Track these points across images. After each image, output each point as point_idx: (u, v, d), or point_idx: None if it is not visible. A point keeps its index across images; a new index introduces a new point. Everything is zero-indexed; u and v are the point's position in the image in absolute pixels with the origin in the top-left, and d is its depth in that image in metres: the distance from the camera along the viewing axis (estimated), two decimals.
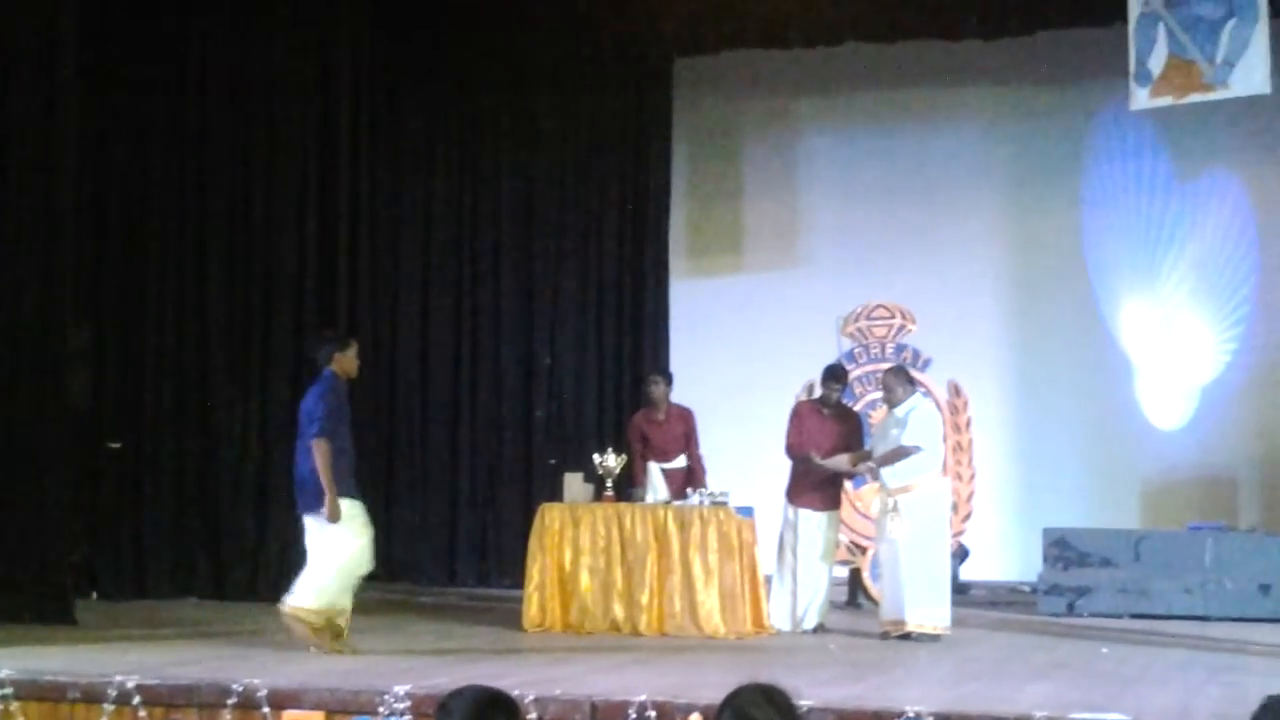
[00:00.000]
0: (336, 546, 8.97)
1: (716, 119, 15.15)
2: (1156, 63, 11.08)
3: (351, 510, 9.02)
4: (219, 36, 12.82)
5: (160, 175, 12.85)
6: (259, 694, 7.06)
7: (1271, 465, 13.81)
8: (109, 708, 7.15)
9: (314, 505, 8.98)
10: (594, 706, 6.79)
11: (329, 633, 8.92)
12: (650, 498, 10.88)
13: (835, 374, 10.99)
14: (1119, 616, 11.49)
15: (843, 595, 12.31)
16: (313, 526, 9.07)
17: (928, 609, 9.95)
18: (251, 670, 7.60)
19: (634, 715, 6.67)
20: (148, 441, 12.64)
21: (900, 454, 10.09)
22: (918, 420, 10.23)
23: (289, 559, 12.37)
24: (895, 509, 10.04)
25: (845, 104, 14.98)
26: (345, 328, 12.64)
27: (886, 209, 14.61)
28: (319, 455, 8.87)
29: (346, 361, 9.20)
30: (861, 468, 10.42)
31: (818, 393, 11.11)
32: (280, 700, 7.06)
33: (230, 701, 7.06)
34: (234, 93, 12.86)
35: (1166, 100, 11.10)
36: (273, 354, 12.76)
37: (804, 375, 11.89)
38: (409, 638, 9.81)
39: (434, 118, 14.51)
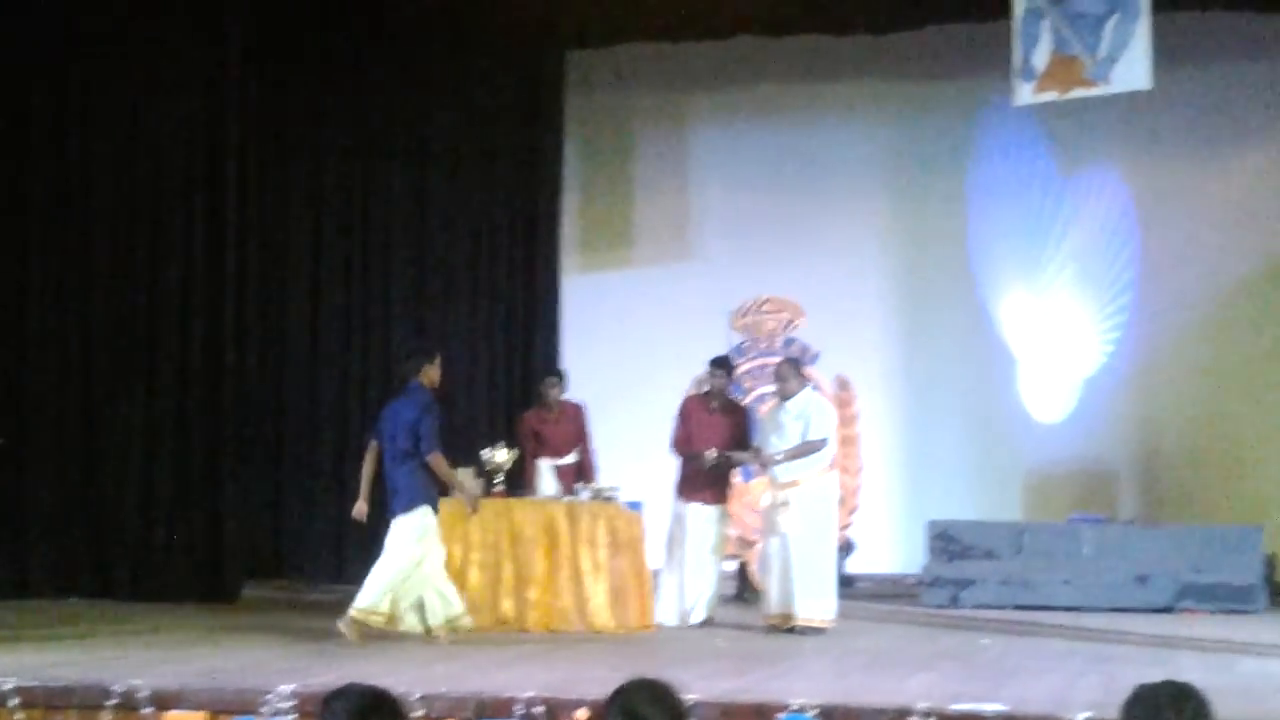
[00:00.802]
0: (403, 553, 9.53)
1: (608, 113, 15.15)
2: (1040, 58, 11.25)
3: (432, 522, 9.61)
4: (104, 22, 12.61)
5: (43, 167, 12.64)
6: (140, 695, 6.98)
7: (1150, 457, 14.07)
8: None
9: (402, 509, 9.54)
10: (481, 703, 6.79)
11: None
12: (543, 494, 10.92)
13: (720, 362, 11.08)
14: (1001, 608, 11.64)
15: (731, 589, 12.39)
16: (396, 530, 9.58)
17: (815, 602, 10.03)
18: (133, 670, 7.51)
19: (521, 711, 6.67)
20: (31, 439, 12.43)
21: (810, 448, 10.18)
22: (819, 413, 10.33)
23: (174, 558, 12.30)
24: (785, 503, 10.10)
25: (736, 98, 15.03)
26: (234, 324, 12.54)
27: (776, 203, 14.70)
28: (438, 466, 9.58)
29: (434, 372, 9.75)
30: (764, 459, 10.42)
31: (705, 385, 11.15)
32: (162, 701, 6.98)
33: (110, 703, 6.97)
34: (119, 83, 12.66)
35: (1050, 95, 11.28)
36: (159, 350, 12.59)
37: (694, 369, 11.92)
38: (294, 635, 9.74)
39: (322, 111, 14.36)
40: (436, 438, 9.55)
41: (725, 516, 10.94)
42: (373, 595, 9.51)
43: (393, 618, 9.55)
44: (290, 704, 6.81)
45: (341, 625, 9.40)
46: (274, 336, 14.11)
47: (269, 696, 6.84)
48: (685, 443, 10.76)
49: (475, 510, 9.82)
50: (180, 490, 12.40)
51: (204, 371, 12.46)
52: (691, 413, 10.90)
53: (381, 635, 9.48)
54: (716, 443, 10.62)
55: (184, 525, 12.37)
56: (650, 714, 3.67)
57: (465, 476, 10.80)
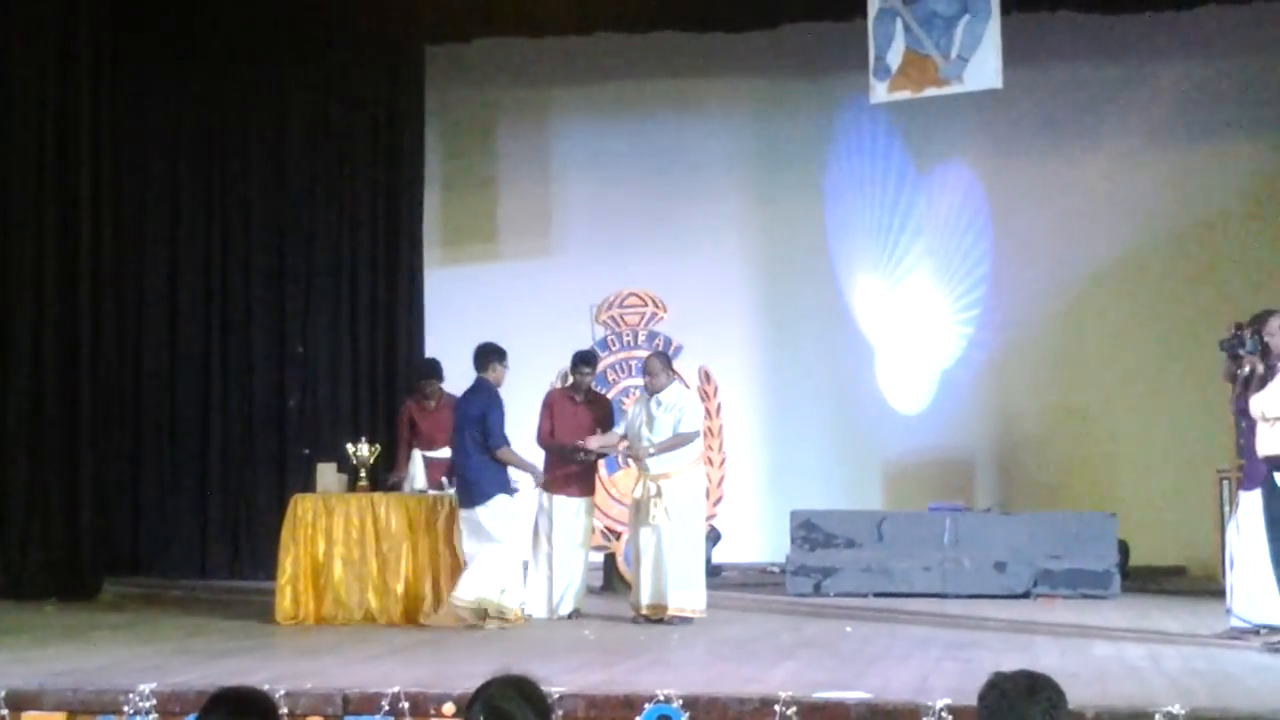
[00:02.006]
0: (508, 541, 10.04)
1: (469, 107, 15.14)
2: (894, 57, 11.44)
3: (512, 508, 10.15)
4: None
5: None
6: None
7: (1006, 447, 14.34)
8: None
9: (472, 501, 9.96)
10: (346, 699, 6.77)
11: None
12: (407, 487, 10.91)
13: (585, 358, 11.10)
14: (863, 595, 11.78)
15: (598, 580, 12.43)
16: (471, 520, 9.98)
17: (687, 593, 10.12)
18: None
19: (387, 707, 6.67)
20: None
21: (683, 440, 10.25)
22: (689, 405, 10.42)
23: (30, 555, 12.05)
24: (658, 494, 10.16)
25: (597, 93, 15.08)
26: (90, 315, 12.32)
27: (638, 198, 14.78)
28: (509, 457, 10.13)
29: (502, 371, 10.33)
30: (639, 451, 10.45)
31: (570, 380, 11.19)
32: (19, 701, 6.89)
33: None
34: None
35: (904, 94, 11.46)
36: (11, 342, 12.31)
37: (559, 363, 11.92)
38: (156, 633, 9.63)
39: (180, 102, 14.20)
40: (503, 431, 10.08)
41: (591, 508, 10.98)
42: (481, 587, 9.90)
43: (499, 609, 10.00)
44: (150, 703, 6.74)
45: (455, 615, 9.88)
46: (130, 331, 13.93)
47: (130, 695, 6.76)
48: (550, 435, 10.79)
49: (538, 483, 10.50)
50: (36, 485, 12.14)
51: (59, 364, 12.22)
52: (556, 405, 10.93)
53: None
54: (582, 435, 10.66)
55: (40, 521, 12.13)
56: (514, 709, 3.68)
57: (325, 471, 10.79)
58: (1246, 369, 8.78)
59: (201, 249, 14.22)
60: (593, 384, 11.26)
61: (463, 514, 10.06)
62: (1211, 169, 13.95)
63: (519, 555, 10.18)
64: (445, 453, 11.22)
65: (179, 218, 14.23)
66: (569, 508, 10.72)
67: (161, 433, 14.13)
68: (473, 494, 10.01)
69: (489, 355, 10.33)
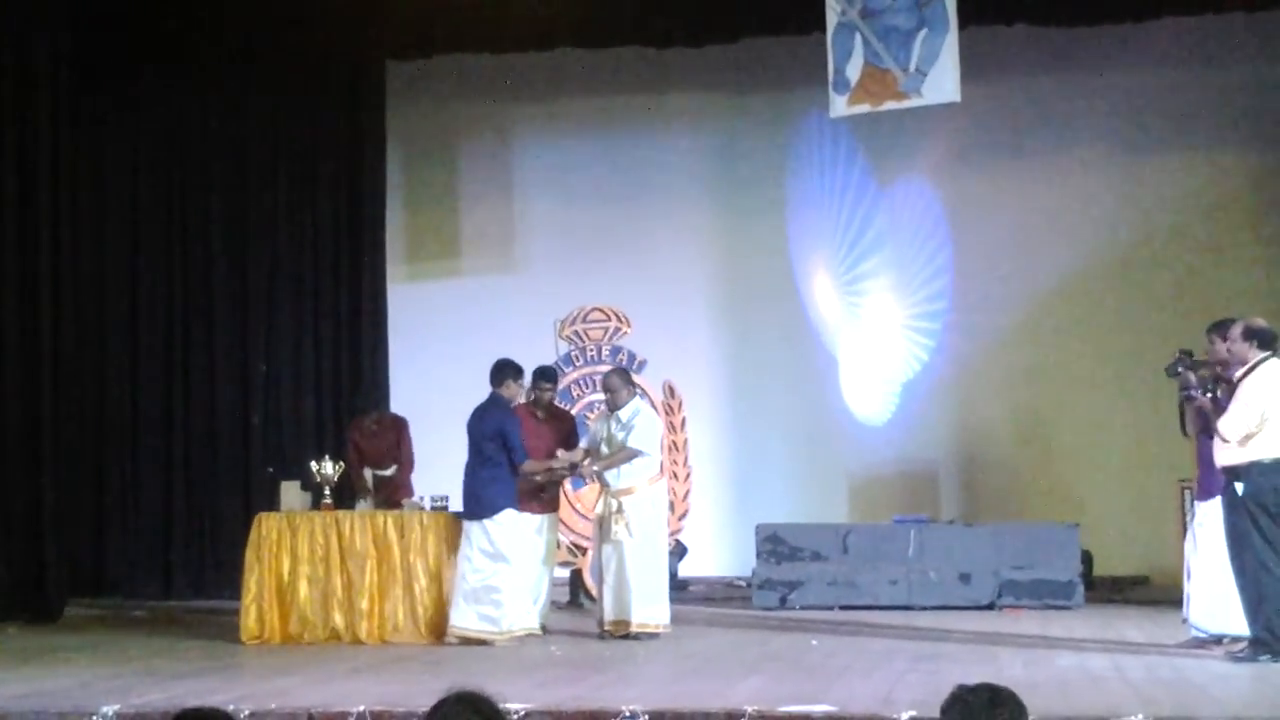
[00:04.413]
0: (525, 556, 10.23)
1: (431, 123, 15.12)
2: (854, 71, 11.48)
3: (520, 522, 10.23)
4: None
5: None
6: None
7: (969, 458, 14.39)
8: None
9: (480, 514, 10.01)
10: (311, 718, 6.76)
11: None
12: (361, 505, 10.91)
13: (545, 374, 11.12)
14: (829, 608, 11.81)
15: (564, 596, 12.42)
16: (478, 534, 10.00)
17: (650, 608, 10.12)
18: None
19: None
20: None
21: (625, 456, 10.24)
22: (642, 423, 10.41)
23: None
24: (620, 510, 10.16)
25: (559, 109, 15.09)
26: (51, 332, 12.27)
27: (601, 212, 14.80)
28: (534, 468, 10.31)
29: (516, 389, 10.44)
30: (585, 471, 10.51)
31: (531, 396, 11.19)
32: None
33: None
34: None
35: (864, 108, 11.50)
36: None
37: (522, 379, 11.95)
38: (120, 654, 9.59)
39: (139, 117, 14.14)
40: (522, 446, 10.17)
41: (555, 524, 10.98)
42: (523, 611, 10.11)
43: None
44: None
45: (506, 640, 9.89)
46: (91, 349, 13.86)
47: (94, 717, 6.74)
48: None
49: (574, 472, 10.70)
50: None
51: (20, 384, 12.16)
52: (520, 421, 10.91)
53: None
54: (543, 451, 10.65)
55: (2, 542, 12.06)
56: None
57: (289, 490, 10.77)
58: (1197, 401, 8.78)
59: (163, 267, 14.17)
60: (555, 400, 11.27)
61: (468, 528, 10.05)
62: (1171, 180, 14.05)
63: (527, 573, 10.20)
64: (391, 470, 11.36)
65: (139, 237, 14.17)
66: (531, 524, 10.70)
67: (125, 453, 14.06)
68: (482, 507, 10.04)
69: (505, 371, 10.40)
